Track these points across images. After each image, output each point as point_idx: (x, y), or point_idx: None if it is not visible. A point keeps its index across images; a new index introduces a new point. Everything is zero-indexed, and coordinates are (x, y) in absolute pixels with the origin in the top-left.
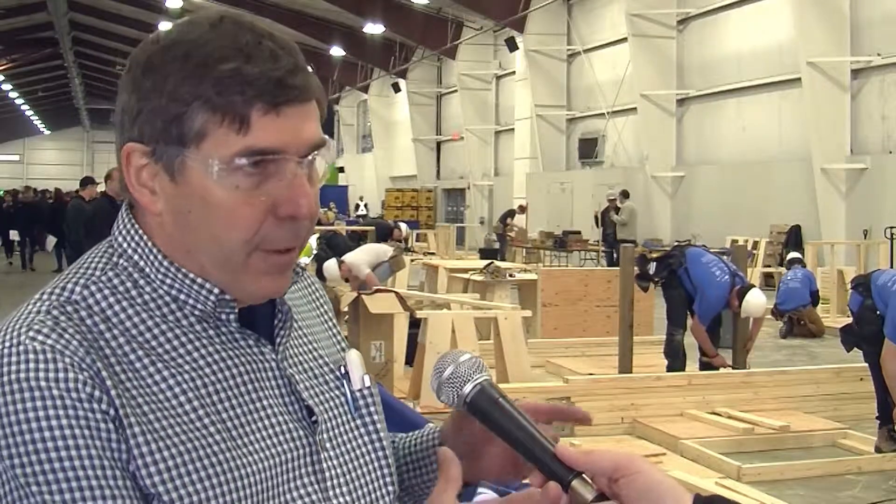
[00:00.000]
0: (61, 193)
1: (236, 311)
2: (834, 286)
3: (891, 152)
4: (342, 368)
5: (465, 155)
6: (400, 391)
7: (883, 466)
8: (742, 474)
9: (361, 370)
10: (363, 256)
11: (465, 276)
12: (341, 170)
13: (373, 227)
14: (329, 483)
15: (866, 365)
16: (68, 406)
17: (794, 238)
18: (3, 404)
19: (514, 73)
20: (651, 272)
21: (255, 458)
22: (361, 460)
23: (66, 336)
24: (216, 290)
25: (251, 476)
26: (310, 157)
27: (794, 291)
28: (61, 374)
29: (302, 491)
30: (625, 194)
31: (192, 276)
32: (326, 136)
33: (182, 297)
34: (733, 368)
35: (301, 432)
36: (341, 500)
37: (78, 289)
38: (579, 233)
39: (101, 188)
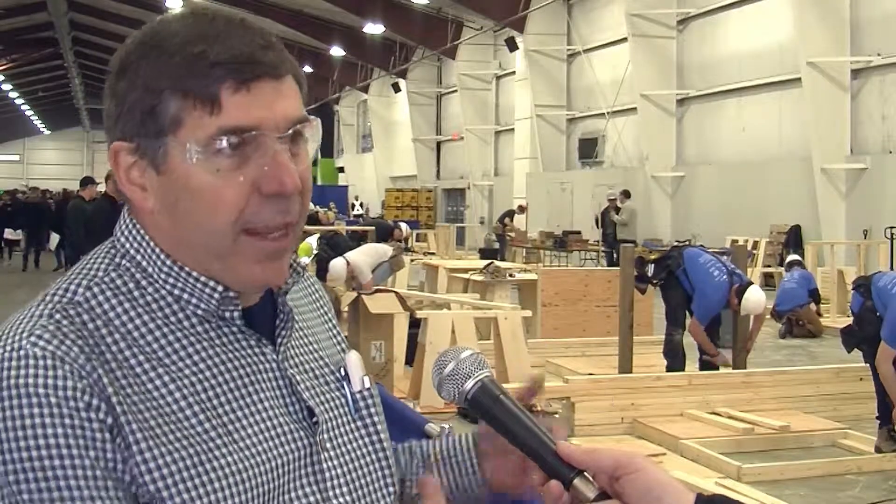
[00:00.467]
0: (68, 193)
1: (240, 307)
2: (834, 286)
3: (891, 152)
4: (342, 370)
5: (465, 155)
6: (400, 391)
7: (883, 466)
8: (742, 474)
9: (361, 371)
10: (364, 258)
11: (465, 276)
12: (341, 170)
13: (373, 228)
14: (329, 484)
15: (866, 365)
16: (65, 415)
17: (794, 238)
18: (1, 409)
19: (514, 73)
20: (649, 274)
21: (256, 461)
22: (362, 461)
23: (68, 342)
24: (220, 288)
25: (254, 478)
26: (290, 132)
27: (790, 292)
28: (60, 382)
29: (301, 492)
30: (626, 194)
31: (195, 274)
32: (311, 116)
33: (185, 296)
34: (733, 368)
35: (301, 433)
36: (341, 500)
37: (81, 290)
38: (579, 233)
39: (101, 188)
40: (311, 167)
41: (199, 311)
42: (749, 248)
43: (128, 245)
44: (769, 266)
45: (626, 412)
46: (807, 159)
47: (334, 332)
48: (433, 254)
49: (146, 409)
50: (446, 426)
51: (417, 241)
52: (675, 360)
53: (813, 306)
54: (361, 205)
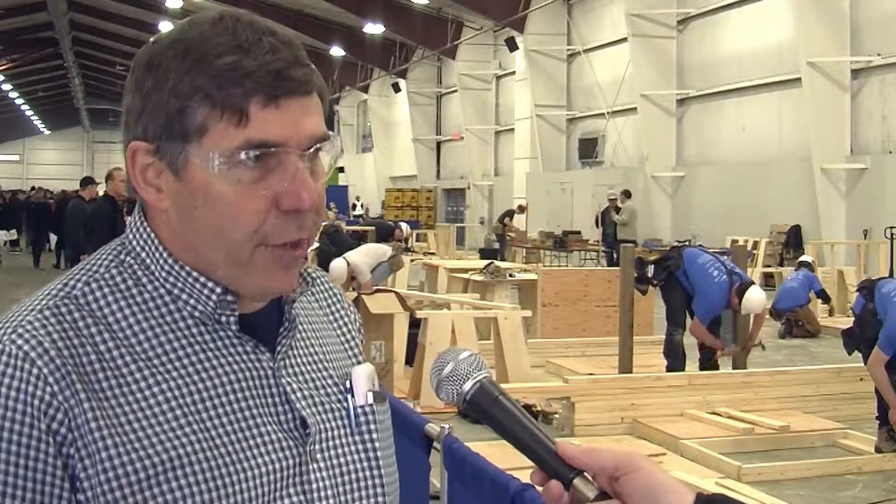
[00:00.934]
0: (67, 193)
1: (236, 313)
2: (834, 286)
3: (891, 152)
4: (348, 382)
5: (465, 155)
6: (400, 391)
7: (883, 466)
8: (742, 474)
9: (367, 386)
10: (364, 258)
11: (465, 276)
12: (341, 170)
13: (373, 228)
14: (316, 495)
15: (866, 366)
16: (17, 419)
17: (794, 238)
18: None
19: (514, 73)
20: (650, 275)
21: (237, 468)
22: (353, 476)
23: (47, 342)
24: (218, 290)
25: (233, 485)
26: (311, 151)
27: (791, 291)
28: (23, 385)
29: (287, 502)
30: (626, 194)
31: (195, 274)
32: (331, 132)
33: (184, 296)
34: (733, 368)
35: (290, 443)
36: None
37: (80, 285)
38: (579, 233)
39: (101, 188)
40: (325, 182)
41: (197, 313)
42: (749, 248)
43: (135, 242)
44: (769, 266)
45: (626, 412)
46: (807, 159)
47: (352, 343)
48: (433, 254)
49: (123, 413)
50: (446, 426)
51: (417, 241)
52: (675, 360)
53: (821, 305)
54: (362, 205)
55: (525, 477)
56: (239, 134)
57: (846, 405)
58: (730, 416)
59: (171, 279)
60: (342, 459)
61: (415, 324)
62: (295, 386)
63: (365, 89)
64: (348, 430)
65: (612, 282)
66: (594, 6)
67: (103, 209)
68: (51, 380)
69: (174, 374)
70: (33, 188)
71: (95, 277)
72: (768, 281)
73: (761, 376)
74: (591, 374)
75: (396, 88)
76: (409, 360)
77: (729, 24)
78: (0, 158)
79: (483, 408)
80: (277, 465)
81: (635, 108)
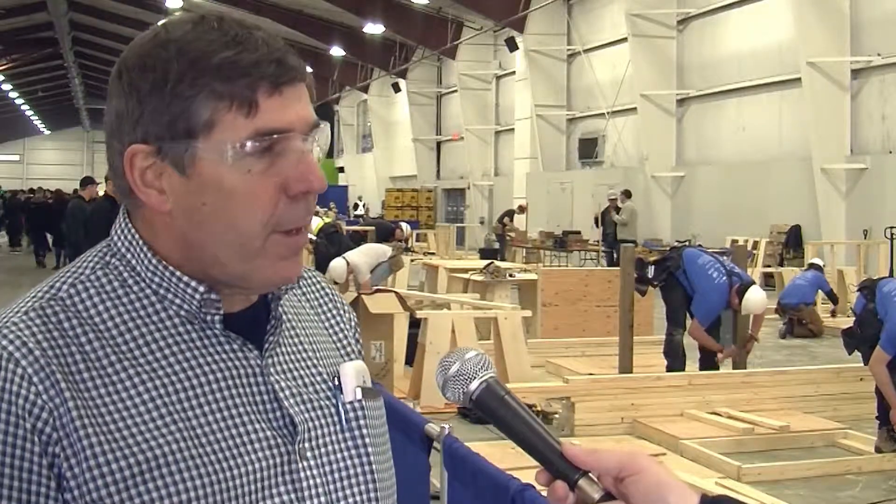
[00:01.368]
0: (62, 194)
1: (221, 312)
2: (834, 286)
3: (891, 152)
4: (336, 380)
5: (465, 155)
6: (400, 391)
7: (883, 466)
8: (742, 474)
9: (356, 382)
10: (364, 258)
11: (465, 276)
12: (341, 170)
13: (373, 228)
14: (306, 493)
15: (866, 366)
16: (1, 418)
17: (794, 238)
18: None
19: (514, 73)
20: (649, 276)
21: (223, 466)
22: (343, 473)
23: (32, 343)
24: (201, 289)
25: (219, 483)
26: (312, 135)
27: (800, 288)
28: (7, 385)
29: (279, 499)
30: (627, 194)
31: (178, 273)
32: (322, 121)
33: (170, 295)
34: (733, 368)
35: (279, 440)
36: None
37: (65, 287)
38: (579, 233)
39: (101, 188)
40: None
41: (183, 312)
42: (749, 248)
43: (120, 244)
44: (769, 266)
45: (626, 412)
46: (807, 159)
47: (344, 343)
48: (433, 254)
49: (108, 413)
50: (446, 426)
51: (417, 241)
52: (675, 360)
53: (831, 306)
54: (363, 205)
55: (525, 477)
56: (249, 124)
57: (846, 405)
58: (730, 416)
59: (157, 279)
60: (332, 457)
61: (415, 324)
62: (283, 384)
63: (365, 89)
64: (338, 427)
65: (612, 282)
66: (594, 6)
67: (103, 209)
68: (35, 379)
69: (160, 372)
70: (33, 189)
71: (81, 279)
72: (768, 281)
73: (761, 376)
74: (591, 374)
75: (396, 88)
76: (409, 360)
77: (729, 24)
78: (0, 158)
79: (489, 407)
80: (266, 463)
81: (635, 108)
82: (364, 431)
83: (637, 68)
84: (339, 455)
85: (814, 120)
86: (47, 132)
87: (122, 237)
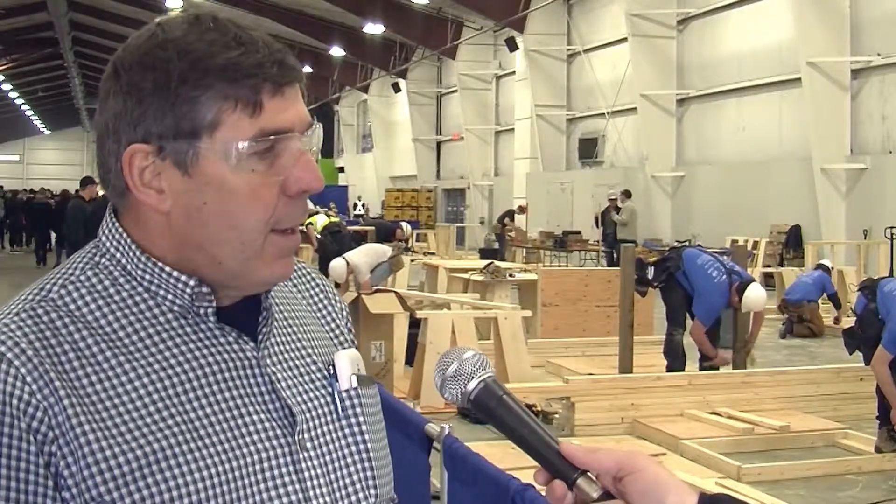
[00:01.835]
0: (67, 194)
1: (213, 304)
2: (834, 286)
3: (891, 152)
4: (331, 368)
5: (465, 155)
6: (400, 391)
7: (883, 466)
8: (742, 474)
9: (351, 370)
10: (364, 258)
11: (465, 276)
12: (341, 170)
13: (373, 228)
14: (309, 483)
15: (866, 365)
16: None
17: (794, 238)
18: None
19: (514, 73)
20: (649, 276)
21: (225, 458)
22: (342, 461)
23: (24, 343)
24: (192, 283)
25: (219, 475)
26: (309, 134)
27: (804, 286)
28: (1, 386)
29: (281, 490)
30: (627, 194)
31: (167, 269)
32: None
33: (161, 292)
34: (733, 368)
35: (279, 431)
36: (321, 500)
37: (56, 288)
38: (579, 233)
39: (101, 188)
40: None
41: (175, 308)
42: (749, 248)
43: (109, 244)
44: (769, 266)
45: (626, 412)
46: (807, 159)
47: (337, 332)
48: (433, 254)
49: (105, 409)
50: (446, 426)
51: (417, 241)
52: (675, 360)
53: (834, 312)
54: (363, 205)
55: (525, 477)
56: (253, 124)
57: (846, 405)
58: (730, 416)
59: (148, 276)
60: (331, 446)
61: (415, 324)
62: (280, 374)
63: (365, 89)
64: (335, 416)
65: (612, 282)
66: (594, 6)
67: (103, 209)
68: (28, 379)
69: (156, 366)
70: (33, 190)
71: (71, 280)
72: (768, 281)
73: (761, 376)
74: (591, 374)
75: (396, 88)
76: (409, 360)
77: (729, 24)
78: (0, 158)
79: (487, 407)
80: (267, 454)
81: (635, 108)
82: (360, 419)
83: (637, 68)
84: (337, 444)
85: (814, 120)
86: (47, 132)
87: (111, 236)
